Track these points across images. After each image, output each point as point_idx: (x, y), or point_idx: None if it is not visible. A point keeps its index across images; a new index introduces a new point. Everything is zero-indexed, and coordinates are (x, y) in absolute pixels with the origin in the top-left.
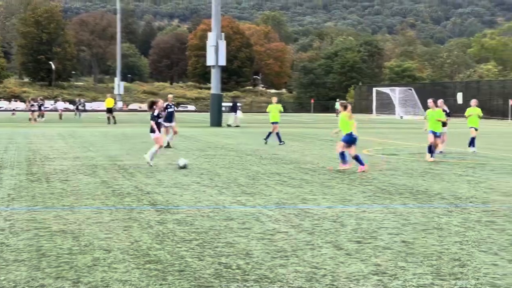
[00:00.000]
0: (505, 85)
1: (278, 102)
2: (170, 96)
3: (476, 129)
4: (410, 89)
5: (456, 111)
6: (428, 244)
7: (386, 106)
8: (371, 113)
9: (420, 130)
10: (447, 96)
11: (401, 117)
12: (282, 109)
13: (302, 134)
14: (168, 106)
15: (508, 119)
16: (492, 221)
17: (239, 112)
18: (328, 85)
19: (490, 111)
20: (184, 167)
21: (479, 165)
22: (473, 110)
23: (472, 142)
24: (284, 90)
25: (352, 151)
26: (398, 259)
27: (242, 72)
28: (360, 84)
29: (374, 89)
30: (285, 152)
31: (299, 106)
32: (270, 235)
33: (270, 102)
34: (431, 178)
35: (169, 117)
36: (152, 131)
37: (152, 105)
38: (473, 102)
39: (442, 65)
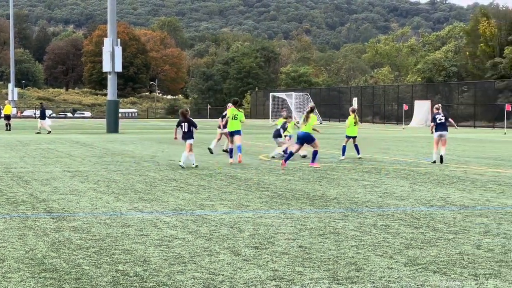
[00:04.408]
0: (400, 90)
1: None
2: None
3: None
4: (306, 94)
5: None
6: (324, 248)
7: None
8: (268, 118)
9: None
10: (342, 101)
11: (297, 122)
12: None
13: (199, 140)
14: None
15: (402, 123)
16: (387, 225)
17: (47, 119)
18: (225, 91)
19: (385, 116)
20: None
21: (375, 170)
22: None
23: None
24: (180, 96)
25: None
26: (295, 264)
27: (138, 78)
28: (257, 89)
29: (271, 95)
30: None
31: (196, 112)
32: (168, 242)
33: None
34: (327, 183)
35: (278, 133)
36: None
37: None
38: None
39: (338, 71)
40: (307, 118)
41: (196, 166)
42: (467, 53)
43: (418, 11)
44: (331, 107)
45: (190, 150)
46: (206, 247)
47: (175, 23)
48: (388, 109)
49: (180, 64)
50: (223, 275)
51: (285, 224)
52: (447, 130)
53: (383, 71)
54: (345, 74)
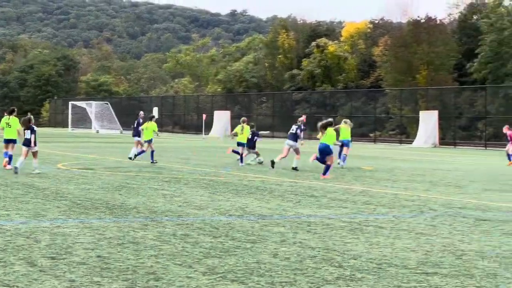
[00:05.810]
0: (199, 101)
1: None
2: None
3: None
4: (107, 103)
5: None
6: (123, 258)
7: (82, 120)
8: (67, 127)
9: (115, 144)
10: (143, 111)
11: (97, 131)
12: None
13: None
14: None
15: (202, 133)
16: (187, 234)
17: None
18: (22, 99)
19: (185, 126)
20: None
21: (174, 179)
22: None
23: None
24: None
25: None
26: (93, 274)
27: None
28: (56, 98)
29: (70, 103)
30: None
31: None
32: None
33: None
34: (127, 192)
35: (294, 137)
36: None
37: None
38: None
39: (139, 80)
40: (324, 130)
41: (39, 173)
42: (266, 64)
43: (218, 22)
44: (131, 116)
45: (35, 157)
46: (1, 258)
47: None
48: (188, 118)
49: None
50: (17, 286)
51: (83, 234)
52: (295, 141)
53: (183, 81)
54: (146, 84)
